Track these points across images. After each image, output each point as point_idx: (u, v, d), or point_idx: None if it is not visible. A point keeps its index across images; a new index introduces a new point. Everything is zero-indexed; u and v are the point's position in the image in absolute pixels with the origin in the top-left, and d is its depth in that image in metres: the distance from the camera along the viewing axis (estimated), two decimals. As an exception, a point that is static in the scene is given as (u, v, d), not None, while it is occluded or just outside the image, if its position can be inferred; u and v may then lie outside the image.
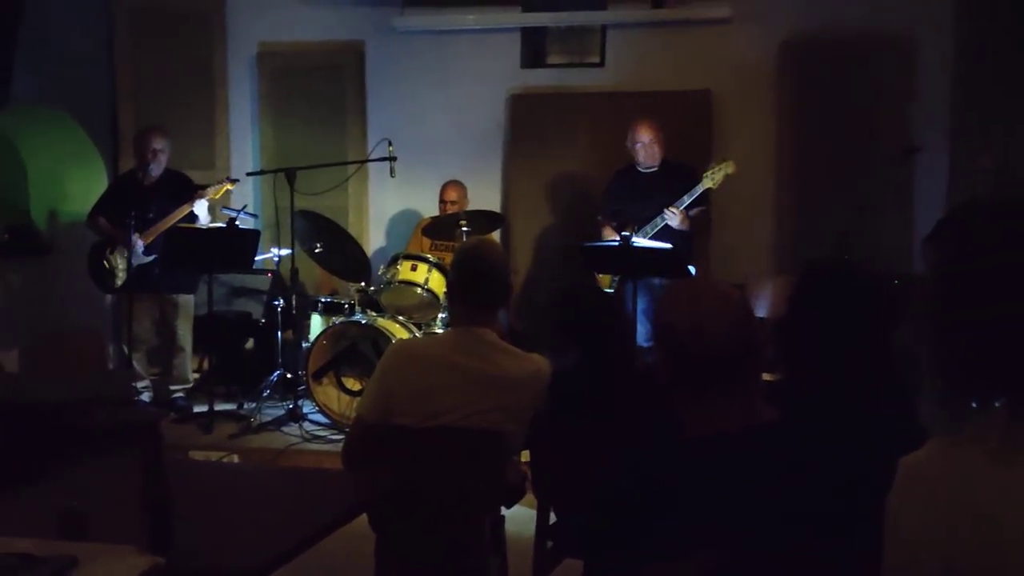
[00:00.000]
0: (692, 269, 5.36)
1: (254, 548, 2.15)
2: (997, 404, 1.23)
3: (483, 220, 5.88)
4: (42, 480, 2.69)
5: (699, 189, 5.56)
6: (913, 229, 6.26)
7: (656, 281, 5.54)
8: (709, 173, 5.58)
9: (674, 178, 5.68)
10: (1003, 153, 5.54)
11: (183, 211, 5.79)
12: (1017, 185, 5.29)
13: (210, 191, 5.87)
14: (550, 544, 3.27)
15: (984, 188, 5.34)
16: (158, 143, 5.93)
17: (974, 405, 1.26)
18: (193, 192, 5.85)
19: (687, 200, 5.55)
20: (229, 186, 6.05)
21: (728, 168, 5.57)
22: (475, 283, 2.97)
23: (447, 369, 2.89)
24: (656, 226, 5.59)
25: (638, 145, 5.81)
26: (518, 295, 6.84)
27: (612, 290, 5.61)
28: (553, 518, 3.29)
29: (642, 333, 5.26)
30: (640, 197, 5.69)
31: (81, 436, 3.24)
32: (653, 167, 5.83)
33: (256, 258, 5.86)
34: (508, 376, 2.91)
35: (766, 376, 2.34)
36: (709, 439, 1.71)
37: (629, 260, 5.29)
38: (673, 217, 5.53)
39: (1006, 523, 1.16)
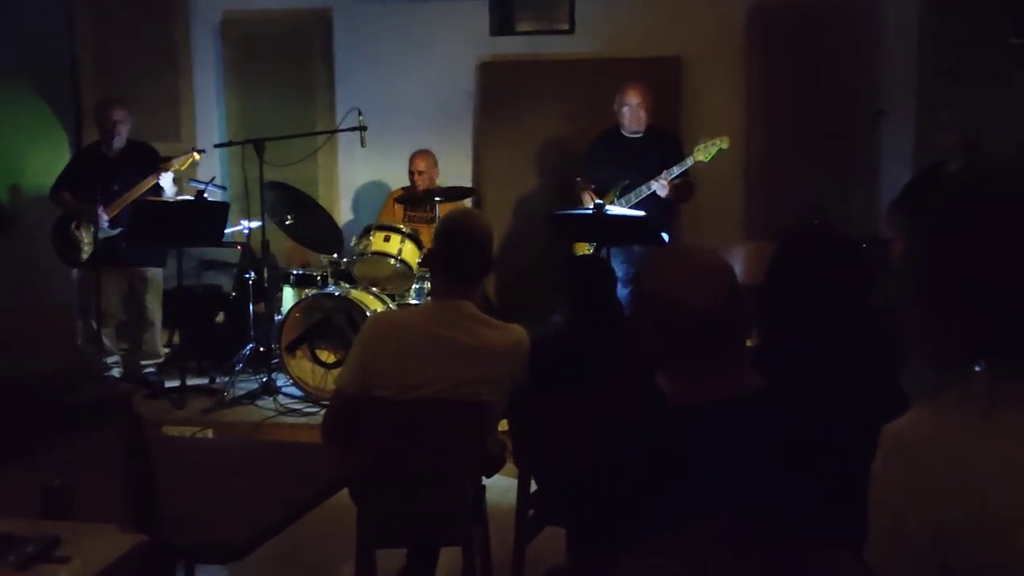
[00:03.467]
0: (666, 236, 5.36)
1: (240, 523, 2.13)
2: (978, 368, 1.24)
3: (456, 196, 5.87)
4: (22, 457, 2.66)
5: (690, 162, 5.51)
6: (880, 193, 6.31)
7: (636, 248, 5.54)
8: (702, 146, 5.51)
9: (659, 145, 5.66)
10: (968, 114, 5.59)
11: (148, 183, 5.71)
12: (982, 146, 5.34)
13: (175, 162, 5.80)
14: (531, 512, 3.29)
15: (949, 150, 5.38)
16: (117, 114, 5.83)
17: (958, 369, 1.27)
18: (158, 163, 5.77)
19: (677, 171, 5.51)
20: (195, 156, 5.97)
21: (723, 143, 5.50)
22: (457, 255, 2.95)
23: (427, 341, 2.89)
24: (641, 195, 5.57)
25: (625, 108, 5.78)
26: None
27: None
28: (534, 487, 3.30)
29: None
30: (624, 162, 5.67)
31: (58, 412, 3.21)
32: (638, 133, 5.81)
33: (226, 231, 5.80)
34: (488, 347, 2.91)
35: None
36: (697, 408, 1.72)
37: (602, 228, 5.29)
38: (662, 188, 5.50)
39: (991, 486, 1.17)
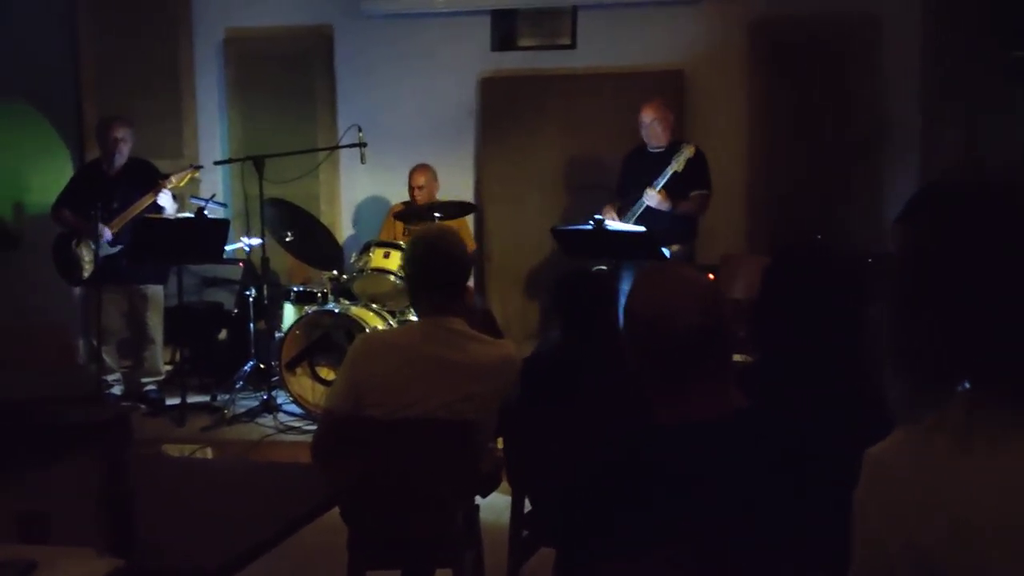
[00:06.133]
0: (667, 252, 5.33)
1: (220, 545, 2.11)
2: (960, 389, 1.21)
3: (455, 211, 5.86)
4: (8, 479, 2.64)
5: (668, 172, 5.57)
6: (884, 208, 6.27)
7: (641, 264, 5.53)
8: (676, 156, 5.59)
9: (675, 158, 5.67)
10: (972, 127, 5.56)
11: (147, 200, 5.71)
12: (986, 159, 5.30)
13: (174, 179, 5.80)
14: (525, 533, 3.24)
15: (955, 164, 5.35)
16: (119, 132, 5.84)
17: (938, 390, 1.24)
18: (157, 180, 5.77)
19: (660, 182, 5.56)
20: (193, 173, 5.98)
21: (688, 152, 5.61)
22: (435, 275, 2.92)
23: (416, 359, 2.85)
24: (641, 206, 5.58)
25: (643, 126, 5.84)
26: (492, 279, 6.81)
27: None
28: (528, 506, 3.26)
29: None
30: (645, 176, 5.69)
31: (48, 434, 3.18)
32: (660, 147, 5.83)
33: (226, 248, 5.79)
34: (478, 364, 2.88)
35: (739, 357, 2.31)
36: (680, 428, 1.69)
37: (602, 243, 5.26)
38: (652, 197, 5.53)
39: (973, 511, 1.15)
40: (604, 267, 5.41)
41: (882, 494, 1.22)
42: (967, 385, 1.21)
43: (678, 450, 1.65)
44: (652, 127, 5.80)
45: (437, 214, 5.66)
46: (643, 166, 5.80)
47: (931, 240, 1.26)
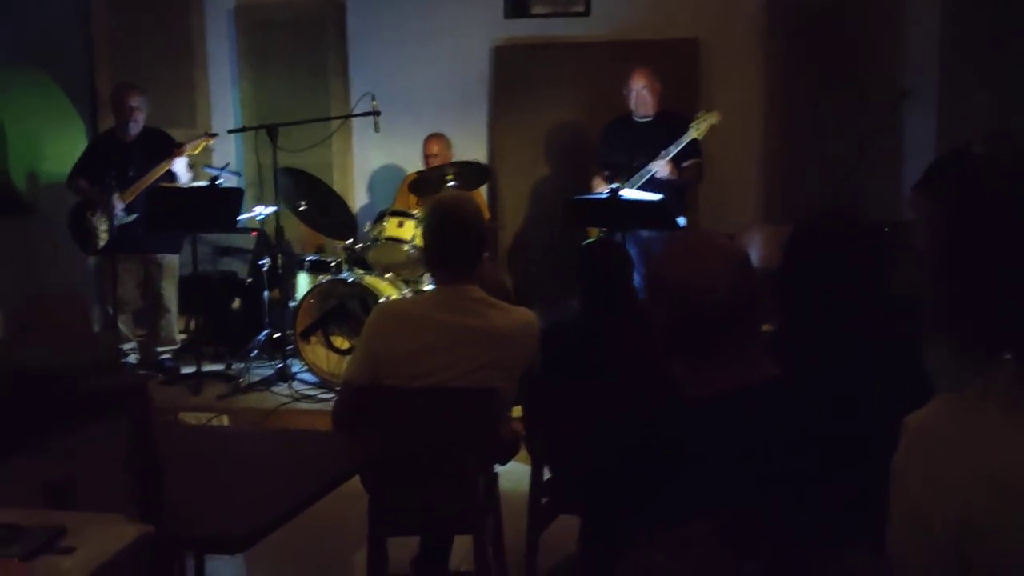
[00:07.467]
0: (682, 221, 5.30)
1: (247, 513, 2.11)
2: (1005, 357, 1.20)
3: (469, 172, 5.80)
4: (29, 448, 2.64)
5: (685, 139, 5.50)
6: (902, 175, 6.22)
7: (644, 232, 5.50)
8: (695, 123, 5.53)
9: (667, 128, 5.61)
10: (992, 94, 5.50)
11: (162, 168, 5.71)
12: (1009, 123, 5.24)
13: (188, 147, 5.80)
14: (544, 500, 3.25)
15: (976, 129, 5.28)
16: (134, 100, 5.84)
17: (980, 360, 1.22)
18: (172, 149, 5.76)
19: (673, 150, 5.49)
20: (208, 141, 5.97)
21: (712, 118, 5.53)
22: (453, 246, 2.91)
23: (434, 328, 2.85)
24: (643, 176, 5.53)
25: (632, 92, 5.76)
26: (506, 249, 6.79)
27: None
28: (547, 474, 3.27)
29: None
30: (632, 146, 5.63)
31: (69, 402, 3.19)
32: (648, 116, 5.76)
33: (240, 217, 5.79)
34: (497, 331, 2.87)
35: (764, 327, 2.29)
36: (706, 398, 1.67)
37: (617, 212, 5.24)
38: (662, 168, 5.47)
39: (1012, 477, 1.13)
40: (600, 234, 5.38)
41: (923, 461, 1.21)
42: (1010, 356, 1.20)
43: (705, 422, 1.64)
44: (642, 94, 5.72)
45: (449, 175, 5.62)
46: (631, 136, 5.73)
47: (964, 208, 1.24)
